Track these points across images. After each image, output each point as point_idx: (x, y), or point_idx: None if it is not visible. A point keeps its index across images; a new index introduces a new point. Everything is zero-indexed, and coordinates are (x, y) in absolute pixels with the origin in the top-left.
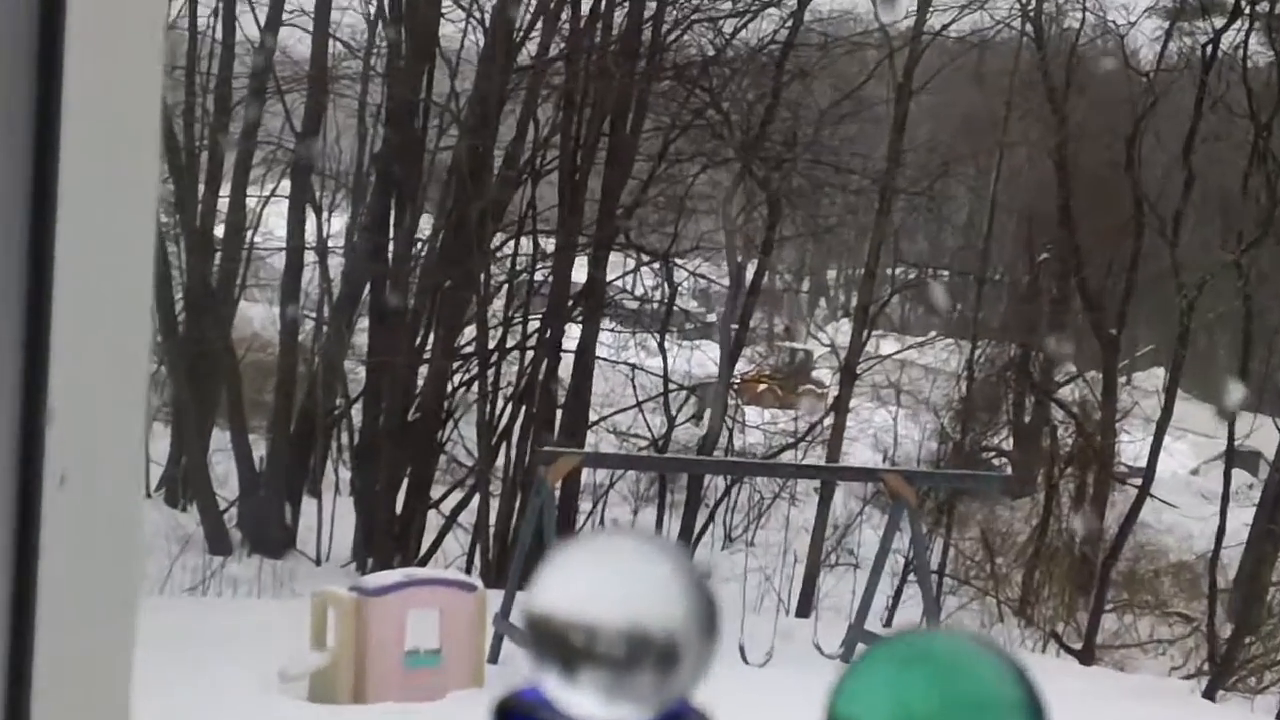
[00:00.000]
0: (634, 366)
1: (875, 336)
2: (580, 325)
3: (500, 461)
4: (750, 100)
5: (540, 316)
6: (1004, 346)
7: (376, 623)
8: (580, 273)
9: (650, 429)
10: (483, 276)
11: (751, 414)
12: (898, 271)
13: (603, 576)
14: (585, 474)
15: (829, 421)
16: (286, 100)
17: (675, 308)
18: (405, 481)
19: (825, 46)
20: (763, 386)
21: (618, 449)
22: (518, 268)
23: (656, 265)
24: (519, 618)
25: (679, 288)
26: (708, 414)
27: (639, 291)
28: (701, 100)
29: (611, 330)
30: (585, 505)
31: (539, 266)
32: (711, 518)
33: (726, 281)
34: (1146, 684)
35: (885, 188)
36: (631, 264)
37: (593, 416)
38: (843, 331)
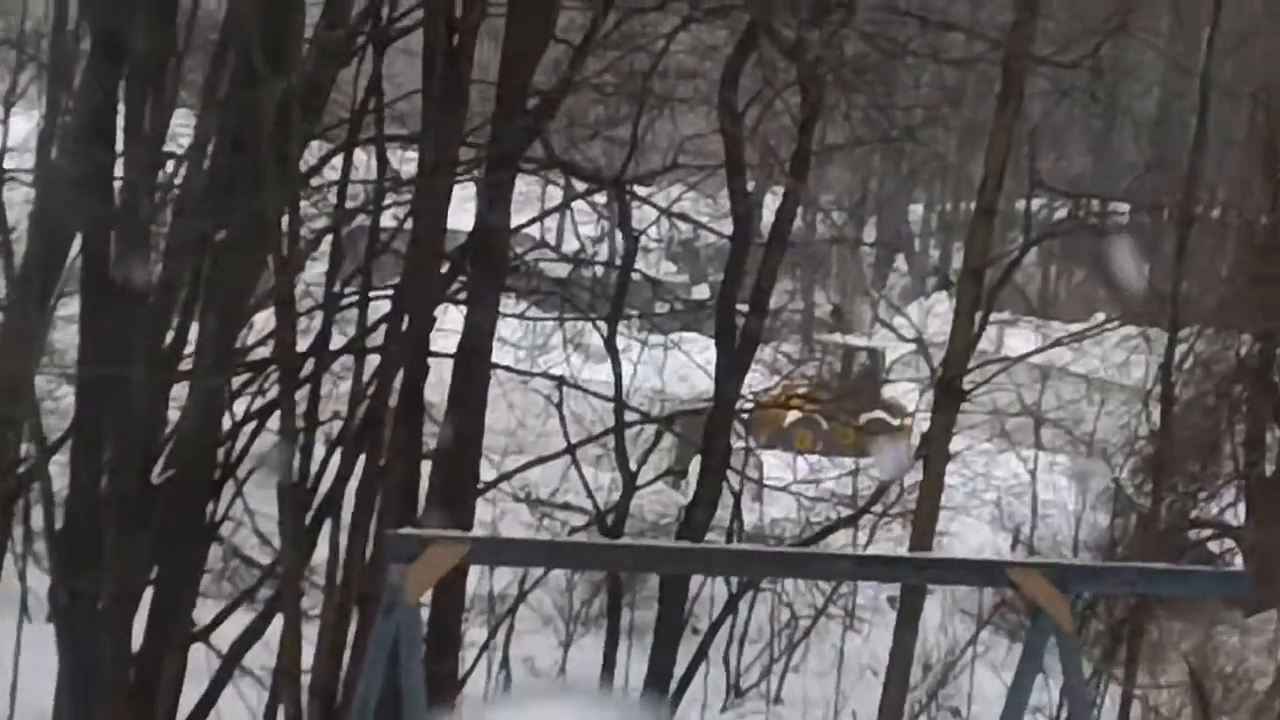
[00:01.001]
0: (561, 381)
1: (998, 323)
2: (464, 308)
3: (320, 557)
4: None
5: (391, 293)
6: (1227, 339)
7: None
8: (464, 215)
9: (592, 494)
10: (286, 221)
11: (775, 464)
12: (1036, 207)
13: None
14: (475, 578)
15: (914, 476)
16: None
17: (637, 275)
18: (149, 594)
19: None
20: (795, 415)
21: (533, 530)
22: (348, 205)
23: (602, 200)
24: None
25: (641, 239)
26: (695, 465)
27: (571, 247)
28: None
29: (522, 317)
30: (476, 634)
31: (388, 203)
32: (704, 653)
33: (726, 229)
34: None
35: (1012, 57)
36: (557, 197)
37: (488, 473)
38: (937, 314)
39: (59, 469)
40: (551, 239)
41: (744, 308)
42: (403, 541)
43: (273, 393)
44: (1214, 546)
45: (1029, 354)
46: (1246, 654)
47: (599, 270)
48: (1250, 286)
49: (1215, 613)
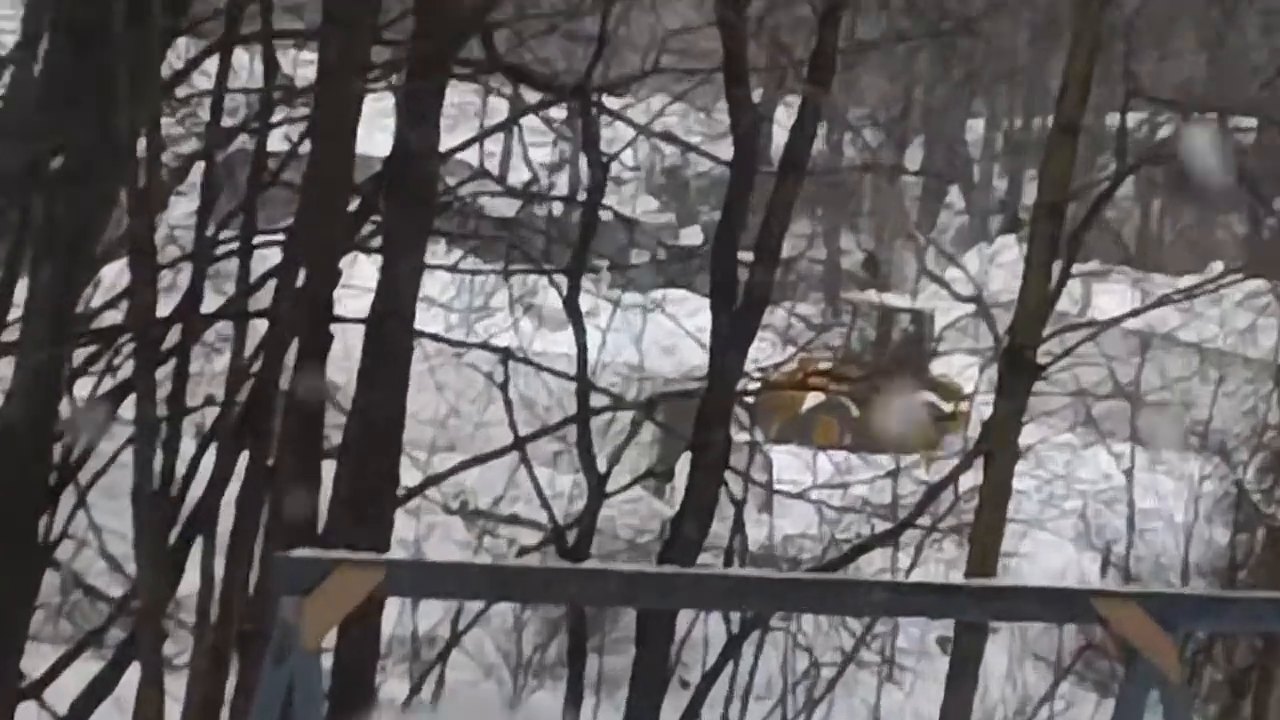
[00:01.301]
0: (507, 354)
1: (1083, 275)
2: (378, 258)
3: (190, 586)
4: None
5: (282, 238)
6: None
7: None
8: (379, 136)
9: (548, 503)
10: (143, 144)
11: (788, 461)
12: (1133, 124)
13: None
14: (394, 613)
15: (971, 479)
16: None
17: (607, 214)
18: None
19: None
20: (816, 399)
21: (471, 551)
22: (224, 122)
23: (561, 115)
24: None
25: (613, 166)
26: (684, 465)
27: (521, 177)
28: None
29: (456, 270)
30: (394, 687)
31: (278, 120)
32: (697, 713)
33: (724, 152)
34: None
35: None
36: (501, 112)
37: (411, 475)
38: (1003, 264)
39: None
40: (494, 167)
41: (748, 257)
42: (298, 566)
43: (126, 370)
44: None
45: (1124, 316)
46: None
47: (557, 208)
48: None
49: None
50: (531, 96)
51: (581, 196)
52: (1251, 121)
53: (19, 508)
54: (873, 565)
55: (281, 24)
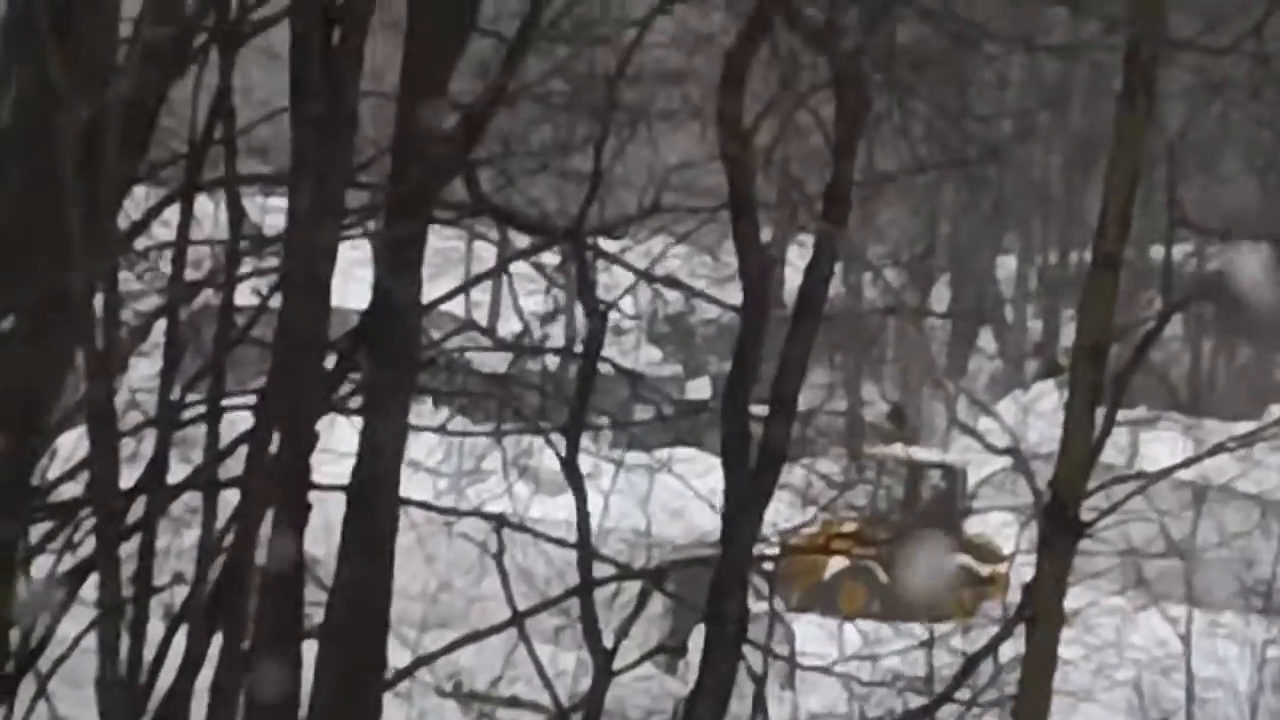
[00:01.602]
0: (501, 521)
1: (1129, 424)
2: (359, 420)
3: None
4: None
5: (253, 400)
6: None
7: None
8: (356, 287)
9: (550, 683)
10: (100, 301)
11: (812, 631)
12: (1180, 257)
13: None
14: None
15: (1012, 648)
16: None
17: (606, 367)
18: None
19: None
20: (841, 564)
21: None
22: (188, 275)
23: (554, 260)
24: None
25: (611, 314)
26: (698, 639)
27: (512, 328)
28: None
29: (444, 432)
30: None
31: (247, 271)
32: None
33: (733, 297)
34: None
35: (1139, 40)
36: (488, 258)
37: (400, 655)
38: (1042, 414)
39: None
40: (483, 318)
41: (762, 410)
42: None
43: (87, 547)
44: None
45: (1176, 467)
46: None
47: (552, 361)
48: None
49: None
50: (521, 240)
51: (578, 348)
52: None
53: None
54: None
55: (247, 168)
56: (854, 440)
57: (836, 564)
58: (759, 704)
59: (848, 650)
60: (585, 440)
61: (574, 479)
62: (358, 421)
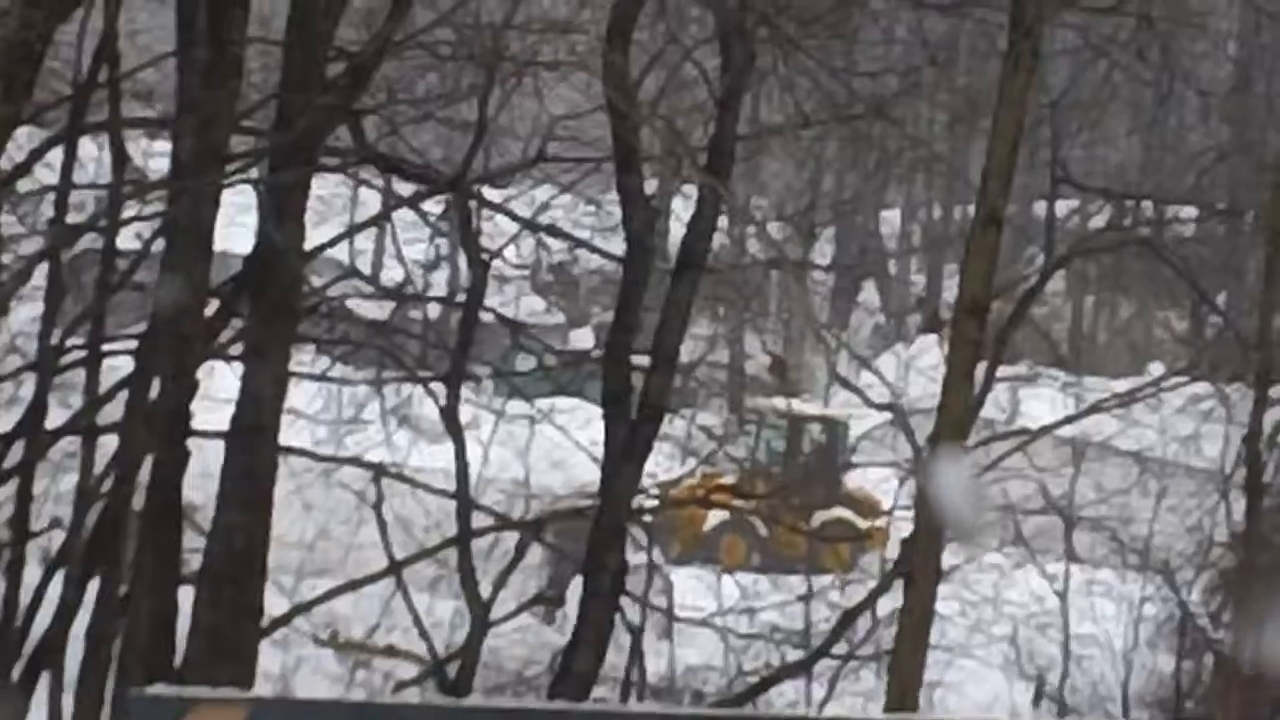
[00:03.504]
0: (380, 471)
1: (1010, 380)
2: (239, 367)
3: None
4: None
5: (135, 346)
6: None
7: None
8: (239, 233)
9: (427, 633)
10: None
11: (690, 584)
12: (1063, 213)
13: None
14: None
15: (890, 603)
16: None
17: (489, 316)
18: None
19: None
20: (720, 517)
21: (344, 686)
22: (70, 219)
23: (438, 208)
24: None
25: (495, 264)
26: (576, 590)
27: (394, 277)
28: None
29: (324, 379)
30: None
31: (129, 216)
32: None
33: (617, 248)
34: None
35: None
36: (372, 205)
37: (278, 603)
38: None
39: None
40: (365, 265)
41: (644, 361)
42: (153, 704)
43: None
44: None
45: (1056, 424)
46: None
47: (434, 310)
48: None
49: None
50: (405, 188)
51: (461, 297)
52: (1190, 210)
53: None
54: (784, 698)
55: (131, 112)
56: (735, 393)
57: (716, 516)
58: (636, 655)
59: (726, 603)
60: (466, 390)
61: (454, 428)
62: (238, 368)
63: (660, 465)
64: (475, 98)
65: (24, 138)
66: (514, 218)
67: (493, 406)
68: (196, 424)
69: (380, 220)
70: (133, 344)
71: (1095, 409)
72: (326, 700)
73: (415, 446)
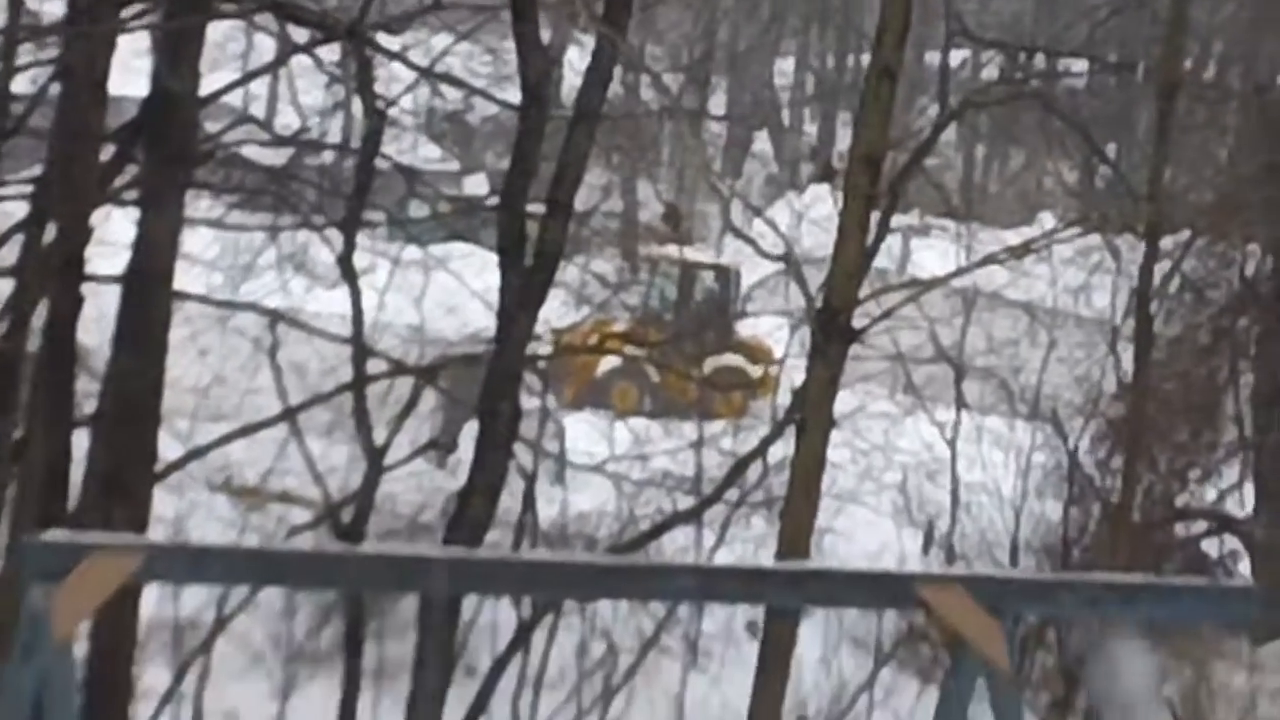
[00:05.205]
0: (276, 316)
1: (902, 230)
2: (134, 212)
3: None
4: None
5: (28, 190)
6: (1227, 251)
7: None
8: (134, 78)
9: (321, 478)
10: None
11: (583, 430)
12: (956, 64)
13: None
14: (153, 600)
15: (781, 450)
16: None
17: (384, 162)
18: None
19: None
20: (613, 363)
21: (238, 531)
22: None
23: (334, 55)
24: None
25: (390, 111)
26: (470, 435)
27: (289, 123)
28: None
29: (220, 225)
30: (155, 678)
31: (24, 62)
32: (485, 704)
33: (512, 96)
34: None
35: None
36: (267, 52)
37: (172, 448)
38: (816, 219)
39: None
40: (261, 112)
41: (538, 209)
42: (48, 551)
43: None
44: (1210, 547)
45: (948, 277)
46: (1258, 699)
47: (329, 157)
48: (1260, 177)
49: (1212, 643)
50: (301, 35)
51: (356, 144)
52: (1083, 64)
53: None
54: (675, 544)
55: None
56: (628, 241)
57: (609, 363)
58: (529, 501)
59: (618, 449)
60: (361, 236)
61: (349, 275)
62: (134, 213)
63: (554, 312)
64: None
65: None
66: (410, 65)
67: (388, 253)
68: (91, 269)
69: (276, 67)
70: (27, 189)
71: (986, 260)
72: (220, 545)
73: (311, 293)
